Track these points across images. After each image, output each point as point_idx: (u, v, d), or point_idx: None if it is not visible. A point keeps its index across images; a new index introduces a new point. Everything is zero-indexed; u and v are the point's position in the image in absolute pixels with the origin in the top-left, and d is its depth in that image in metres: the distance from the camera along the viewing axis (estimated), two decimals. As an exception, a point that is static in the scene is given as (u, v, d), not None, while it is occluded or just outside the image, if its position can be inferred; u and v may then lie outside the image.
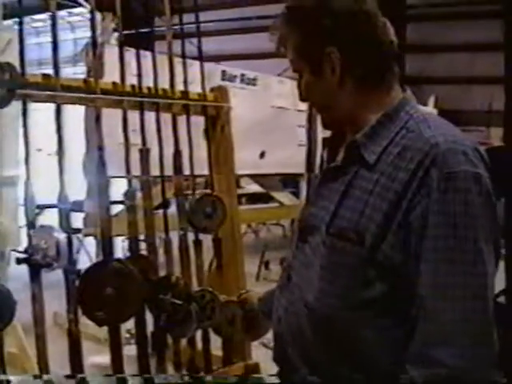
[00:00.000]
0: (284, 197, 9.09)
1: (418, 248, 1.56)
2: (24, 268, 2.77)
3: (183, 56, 3.55)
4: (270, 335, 4.50)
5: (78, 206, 4.77)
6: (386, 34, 1.75)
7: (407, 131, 1.66)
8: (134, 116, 3.26)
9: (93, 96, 3.05)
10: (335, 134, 1.89)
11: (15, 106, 2.83)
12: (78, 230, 7.08)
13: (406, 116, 1.71)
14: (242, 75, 7.51)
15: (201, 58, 3.69)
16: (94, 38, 3.17)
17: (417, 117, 1.70)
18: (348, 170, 1.72)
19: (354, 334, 1.69)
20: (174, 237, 3.43)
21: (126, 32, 3.34)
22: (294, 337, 1.82)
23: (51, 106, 2.91)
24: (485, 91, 12.59)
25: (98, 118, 3.07)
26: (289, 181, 10.54)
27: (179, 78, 3.51)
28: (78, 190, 4.00)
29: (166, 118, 3.43)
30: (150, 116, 3.34)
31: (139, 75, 3.29)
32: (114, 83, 3.18)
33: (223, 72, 7.09)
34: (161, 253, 3.38)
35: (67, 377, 2.66)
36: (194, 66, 3.70)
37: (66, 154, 2.90)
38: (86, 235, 5.97)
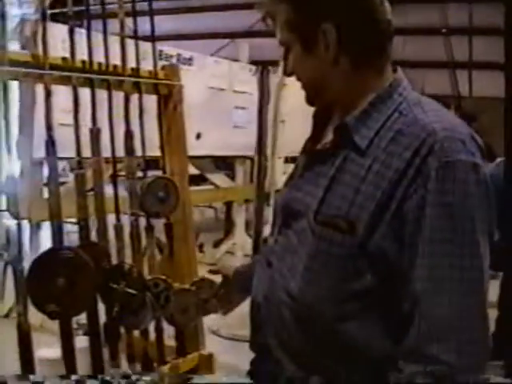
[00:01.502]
0: (219, 179, 9.00)
1: (412, 240, 1.48)
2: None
3: (135, 36, 3.35)
4: (221, 322, 4.45)
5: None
6: (384, 12, 1.67)
7: (400, 114, 1.58)
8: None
9: (41, 72, 2.85)
10: (319, 111, 1.79)
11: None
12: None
13: (399, 98, 1.63)
14: (178, 55, 7.40)
15: (153, 36, 3.50)
16: (44, 11, 2.95)
17: (411, 99, 1.63)
18: (337, 154, 1.63)
19: (339, 325, 1.61)
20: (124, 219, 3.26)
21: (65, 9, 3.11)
22: (275, 326, 1.74)
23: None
24: (416, 75, 12.68)
25: (47, 96, 2.88)
26: (222, 163, 10.45)
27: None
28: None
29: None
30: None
31: (90, 52, 3.09)
32: (63, 58, 2.97)
33: (160, 52, 6.94)
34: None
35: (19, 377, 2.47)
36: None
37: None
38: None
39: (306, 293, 1.64)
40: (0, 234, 2.56)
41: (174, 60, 7.20)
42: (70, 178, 7.72)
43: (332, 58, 1.63)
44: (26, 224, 5.83)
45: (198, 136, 7.66)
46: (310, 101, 1.76)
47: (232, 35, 12.01)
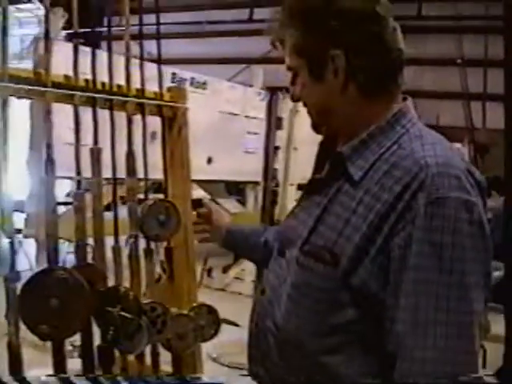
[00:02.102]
0: (229, 204, 8.97)
1: (397, 278, 1.42)
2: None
3: (141, 58, 3.34)
4: (220, 350, 4.40)
5: (18, 206, 4.57)
6: (395, 40, 1.63)
7: (399, 147, 1.53)
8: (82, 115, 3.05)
9: (43, 89, 2.83)
10: (325, 140, 1.74)
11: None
12: (18, 231, 6.88)
13: (402, 130, 1.57)
14: (192, 78, 7.40)
15: (159, 57, 3.48)
16: (47, 30, 2.92)
17: (412, 132, 1.57)
18: (332, 184, 1.58)
19: (321, 358, 1.56)
20: (122, 243, 3.22)
21: (81, 30, 3.11)
22: (262, 355, 1.70)
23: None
24: (432, 105, 12.64)
25: (47, 113, 2.85)
26: (234, 188, 10.42)
27: (134, 80, 3.30)
28: (17, 189, 3.76)
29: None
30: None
31: (93, 71, 3.07)
32: (66, 76, 2.95)
33: (173, 74, 6.94)
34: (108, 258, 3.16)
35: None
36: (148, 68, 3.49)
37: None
38: (26, 237, 5.72)
39: (288, 323, 1.60)
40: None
41: (187, 83, 7.17)
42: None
43: (340, 84, 1.59)
44: (28, 241, 5.88)
45: (210, 160, 7.65)
46: (315, 127, 1.72)
47: (248, 61, 12.03)
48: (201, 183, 8.32)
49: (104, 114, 3.13)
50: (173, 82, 6.62)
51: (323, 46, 1.58)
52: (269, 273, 1.77)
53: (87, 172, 3.06)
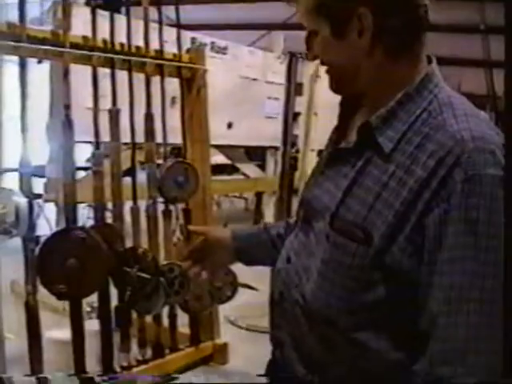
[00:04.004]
0: (250, 169, 8.93)
1: (432, 256, 1.36)
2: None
3: (160, 20, 3.32)
4: (237, 313, 4.41)
5: (39, 171, 4.57)
6: None
7: (429, 115, 1.44)
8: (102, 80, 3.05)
9: (61, 49, 2.81)
10: (346, 99, 1.68)
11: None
12: (38, 196, 6.90)
13: (430, 96, 1.47)
14: (212, 43, 7.32)
15: (178, 20, 3.45)
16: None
17: (441, 98, 1.47)
18: (360, 154, 1.51)
19: (350, 334, 1.50)
20: (142, 207, 3.22)
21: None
22: (289, 324, 1.64)
23: (14, 72, 2.68)
24: (453, 72, 12.51)
25: (65, 74, 2.84)
26: (254, 153, 10.37)
27: (153, 45, 3.29)
28: (39, 155, 3.77)
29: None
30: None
31: (112, 32, 3.05)
32: (84, 37, 2.93)
33: (193, 39, 6.89)
34: (127, 222, 3.16)
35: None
36: (167, 33, 3.46)
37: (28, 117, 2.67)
38: (46, 201, 5.72)
39: (318, 298, 1.53)
40: (10, 211, 2.50)
41: (207, 48, 7.12)
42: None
43: (365, 45, 1.49)
44: (49, 206, 5.90)
45: (230, 125, 7.60)
46: (335, 88, 1.65)
47: (268, 27, 11.92)
48: (221, 148, 8.30)
49: (123, 80, 3.12)
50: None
51: (350, 4, 1.52)
52: (294, 240, 1.72)
53: (108, 137, 3.09)
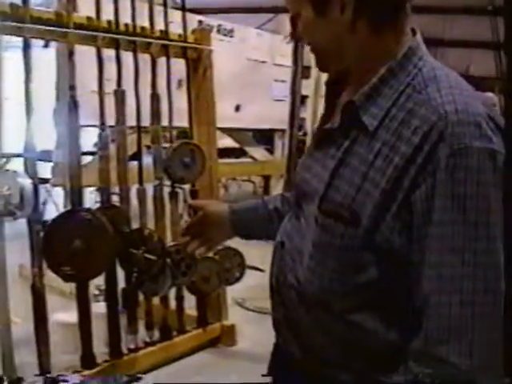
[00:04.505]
0: (258, 152, 8.91)
1: (421, 234, 1.33)
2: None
3: (164, 3, 3.30)
4: (245, 295, 4.40)
5: (46, 156, 4.56)
6: None
7: (413, 90, 1.40)
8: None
9: (64, 30, 2.78)
10: (332, 79, 1.65)
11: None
12: (45, 180, 6.90)
13: (414, 70, 1.44)
14: (219, 26, 7.29)
15: (183, 2, 3.43)
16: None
17: (426, 72, 1.43)
18: (346, 134, 1.48)
19: (345, 316, 1.48)
20: (149, 189, 3.22)
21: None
22: (285, 307, 1.62)
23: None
24: (462, 55, 12.43)
25: (70, 55, 2.81)
26: (262, 136, 10.34)
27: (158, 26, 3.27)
28: (46, 139, 3.75)
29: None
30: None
31: (116, 12, 3.02)
32: (88, 17, 2.91)
33: (200, 22, 6.85)
34: (134, 205, 3.15)
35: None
36: (173, 15, 3.44)
37: (34, 102, 2.67)
38: (54, 185, 5.71)
39: (311, 281, 1.50)
40: (15, 193, 2.48)
41: (214, 31, 7.09)
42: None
43: (347, 21, 1.47)
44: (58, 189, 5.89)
45: (237, 108, 7.58)
46: (321, 67, 1.62)
47: (275, 10, 11.87)
48: (229, 131, 8.28)
49: (129, 65, 3.10)
50: (199, 29, 6.57)
51: None
52: (287, 224, 1.70)
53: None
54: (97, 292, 3.41)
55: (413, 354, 1.35)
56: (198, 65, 3.50)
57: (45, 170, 4.59)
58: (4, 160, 6.54)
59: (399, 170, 1.32)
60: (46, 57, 3.61)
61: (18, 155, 2.81)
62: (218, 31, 7.27)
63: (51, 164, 5.21)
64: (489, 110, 1.37)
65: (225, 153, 10.48)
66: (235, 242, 3.06)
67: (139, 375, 1.66)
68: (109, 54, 3.07)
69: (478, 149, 1.28)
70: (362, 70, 1.47)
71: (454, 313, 1.30)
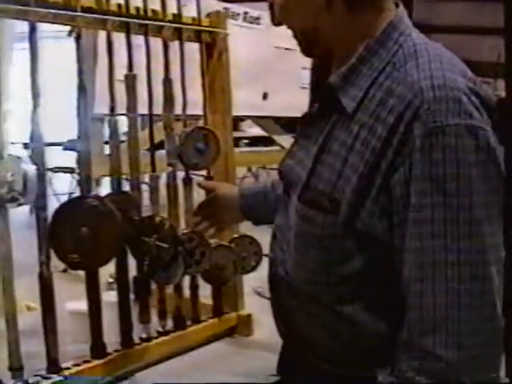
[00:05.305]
0: (285, 140, 8.86)
1: (401, 219, 1.25)
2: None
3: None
4: (265, 284, 4.33)
5: (72, 145, 4.57)
6: None
7: (393, 68, 1.32)
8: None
9: (72, 13, 2.73)
10: (318, 64, 1.58)
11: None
12: (72, 170, 6.91)
13: (395, 47, 1.35)
14: (245, 13, 7.23)
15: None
16: None
17: (407, 47, 1.35)
18: (327, 118, 1.41)
19: (334, 307, 1.41)
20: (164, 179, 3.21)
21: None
22: (278, 301, 1.57)
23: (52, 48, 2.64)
24: (494, 42, 12.24)
25: (77, 40, 2.76)
26: (290, 125, 10.29)
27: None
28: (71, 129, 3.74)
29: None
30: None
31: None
32: (97, 0, 2.84)
33: (225, 9, 6.79)
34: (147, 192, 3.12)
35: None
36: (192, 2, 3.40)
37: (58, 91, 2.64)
38: (79, 174, 5.75)
39: (298, 273, 1.47)
40: (18, 179, 2.44)
41: (240, 18, 7.03)
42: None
43: (323, 1, 1.43)
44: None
45: (265, 96, 7.52)
46: (304, 51, 1.55)
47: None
48: (256, 120, 8.23)
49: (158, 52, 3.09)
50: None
51: None
52: (278, 215, 1.65)
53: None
54: (111, 280, 3.35)
55: (401, 346, 1.29)
56: (213, 49, 3.44)
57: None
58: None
59: (376, 153, 1.26)
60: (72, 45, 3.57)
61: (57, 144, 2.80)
62: (244, 19, 7.21)
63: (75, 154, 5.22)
64: (473, 85, 1.28)
65: (253, 142, 10.46)
66: (252, 230, 3.01)
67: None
68: (139, 41, 3.06)
69: (455, 126, 1.20)
70: (342, 51, 1.42)
71: (439, 301, 1.22)
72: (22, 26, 2.65)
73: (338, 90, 1.36)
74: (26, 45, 2.60)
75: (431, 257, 1.21)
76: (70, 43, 2.82)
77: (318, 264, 1.40)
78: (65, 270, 3.76)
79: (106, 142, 3.09)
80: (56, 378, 2.52)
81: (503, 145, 1.25)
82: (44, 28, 2.72)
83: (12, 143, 2.89)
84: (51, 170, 7.46)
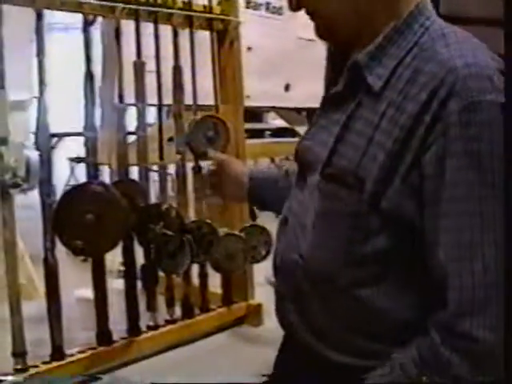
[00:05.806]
0: (308, 132, 8.86)
1: (434, 198, 1.22)
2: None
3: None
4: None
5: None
6: None
7: (420, 50, 1.31)
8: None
9: (79, 0, 2.72)
10: (336, 50, 1.55)
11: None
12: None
13: (421, 29, 1.35)
14: (268, 3, 7.20)
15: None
16: None
17: (433, 31, 1.34)
18: (351, 98, 1.39)
19: (354, 291, 1.38)
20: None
21: None
22: (290, 290, 1.54)
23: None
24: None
25: (85, 27, 2.76)
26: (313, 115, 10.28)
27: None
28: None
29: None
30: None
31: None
32: (105, -13, 2.84)
33: (248, 1, 6.78)
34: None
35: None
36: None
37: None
38: (99, 164, 5.77)
39: (315, 254, 1.43)
40: (21, 165, 2.45)
41: (262, 9, 7.00)
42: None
43: None
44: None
45: (287, 87, 7.49)
46: (321, 35, 1.53)
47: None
48: (279, 111, 8.22)
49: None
50: (247, 8, 6.48)
51: None
52: (291, 200, 1.62)
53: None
54: (122, 268, 3.35)
55: (435, 328, 1.26)
56: (225, 37, 3.42)
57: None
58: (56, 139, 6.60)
59: (406, 130, 1.24)
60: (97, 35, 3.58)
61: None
62: (267, 9, 7.18)
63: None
64: (499, 65, 1.27)
65: (277, 134, 10.44)
66: (262, 221, 3.00)
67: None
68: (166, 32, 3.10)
69: (491, 102, 1.19)
70: (367, 33, 1.39)
71: (478, 282, 1.20)
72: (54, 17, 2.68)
73: (364, 68, 1.35)
74: (58, 35, 2.62)
75: (469, 236, 1.19)
76: (96, 33, 2.85)
77: (338, 242, 1.36)
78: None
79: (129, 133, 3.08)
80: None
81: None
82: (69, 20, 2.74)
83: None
84: (73, 160, 7.51)
